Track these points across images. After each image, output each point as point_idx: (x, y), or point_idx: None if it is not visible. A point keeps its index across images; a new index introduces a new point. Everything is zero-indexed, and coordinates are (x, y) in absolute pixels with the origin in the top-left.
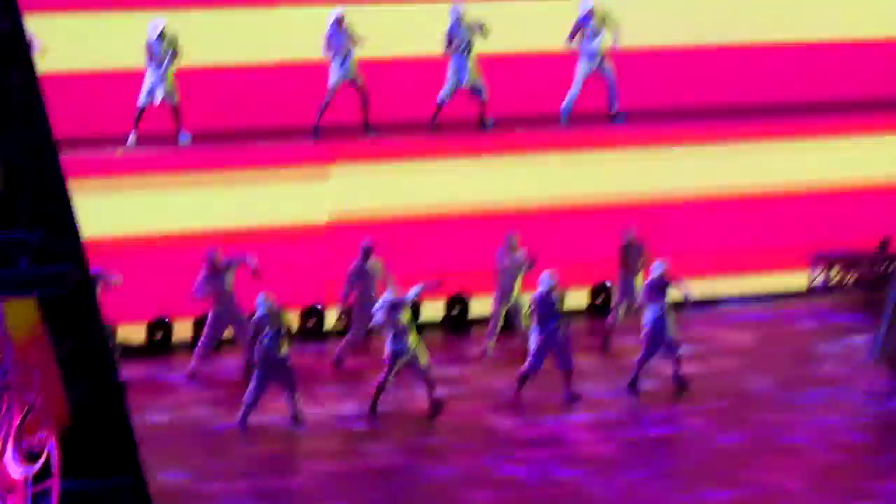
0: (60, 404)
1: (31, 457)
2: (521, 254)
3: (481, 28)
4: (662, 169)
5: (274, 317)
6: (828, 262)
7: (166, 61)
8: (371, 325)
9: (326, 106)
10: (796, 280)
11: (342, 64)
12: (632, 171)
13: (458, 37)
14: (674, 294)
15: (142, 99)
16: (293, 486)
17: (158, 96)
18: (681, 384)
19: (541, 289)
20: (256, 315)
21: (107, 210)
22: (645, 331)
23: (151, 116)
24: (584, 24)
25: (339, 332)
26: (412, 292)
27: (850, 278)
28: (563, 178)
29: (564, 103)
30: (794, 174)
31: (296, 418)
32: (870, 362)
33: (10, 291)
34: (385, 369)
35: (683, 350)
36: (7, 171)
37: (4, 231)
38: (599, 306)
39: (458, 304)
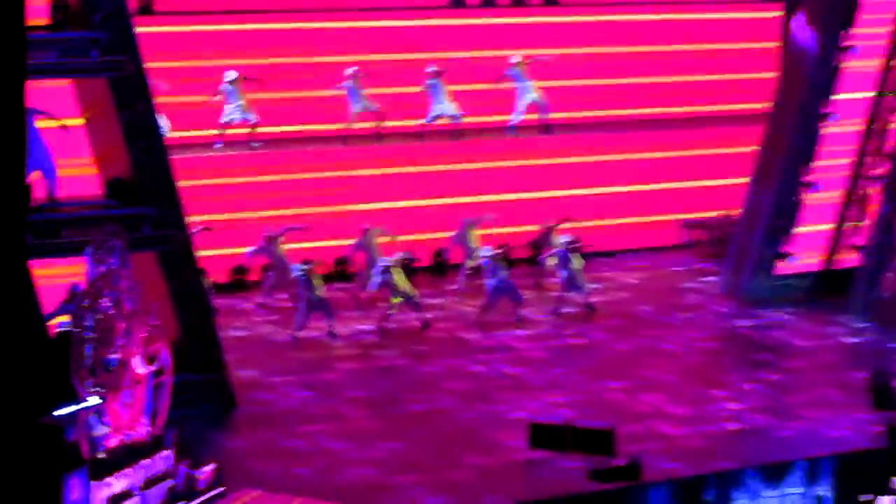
0: (170, 324)
1: (151, 360)
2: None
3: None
4: (580, 168)
5: (311, 268)
6: (691, 226)
7: (238, 97)
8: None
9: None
10: (670, 238)
11: (357, 100)
12: (556, 167)
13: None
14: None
15: (223, 119)
16: (327, 378)
17: (237, 118)
18: (590, 309)
19: (489, 252)
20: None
21: (202, 192)
22: (563, 275)
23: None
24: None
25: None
26: (397, 256)
27: (706, 237)
28: (510, 176)
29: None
30: (670, 172)
31: (331, 333)
32: (719, 294)
33: (139, 249)
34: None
35: (591, 286)
36: (136, 169)
37: (134, 208)
38: (533, 258)
39: (439, 256)
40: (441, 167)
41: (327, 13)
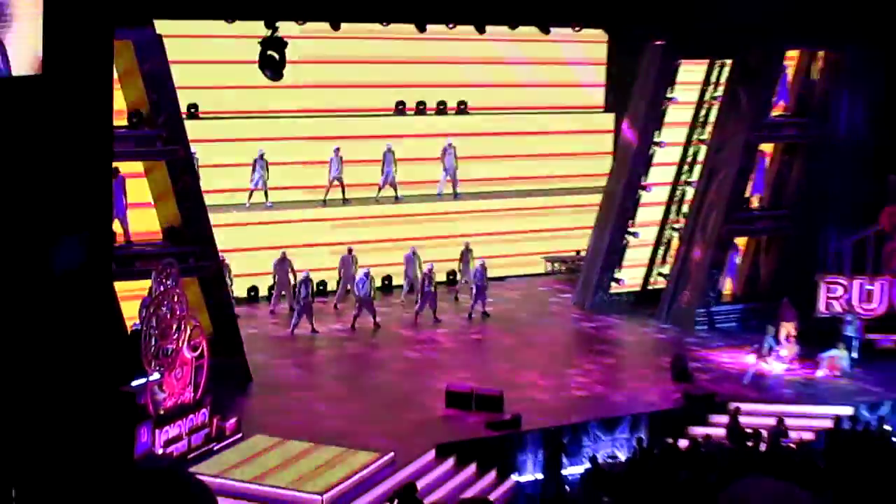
0: (206, 325)
1: (194, 348)
2: (416, 255)
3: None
4: (482, 219)
5: (305, 283)
6: (552, 260)
7: (264, 168)
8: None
9: (328, 188)
10: (539, 268)
11: (336, 168)
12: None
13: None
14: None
15: (251, 183)
16: (312, 361)
17: (260, 183)
18: (486, 315)
19: (424, 271)
20: (299, 281)
21: (234, 234)
22: (473, 290)
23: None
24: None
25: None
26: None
27: (563, 267)
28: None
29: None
30: (541, 223)
31: (314, 330)
32: (572, 305)
33: (186, 274)
34: (355, 308)
35: (489, 298)
36: (184, 221)
37: (182, 247)
38: (452, 280)
39: (386, 280)
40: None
41: (320, 118)
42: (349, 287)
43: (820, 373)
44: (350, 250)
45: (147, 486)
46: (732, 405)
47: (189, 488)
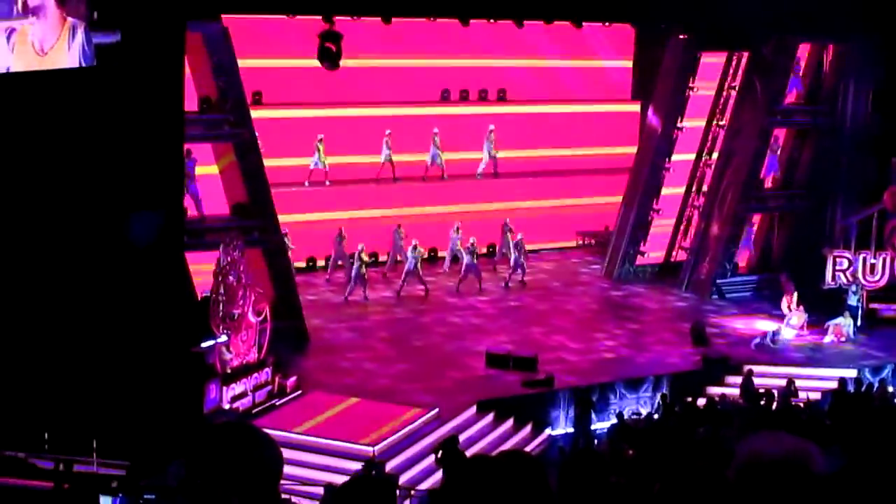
0: (269, 292)
1: (258, 313)
2: (458, 230)
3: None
4: (522, 198)
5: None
6: (583, 235)
7: (321, 157)
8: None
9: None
10: (571, 243)
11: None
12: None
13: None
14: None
15: (311, 166)
16: (364, 325)
17: (320, 165)
18: (523, 283)
19: (467, 245)
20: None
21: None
22: (512, 262)
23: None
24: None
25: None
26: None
27: (592, 240)
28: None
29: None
30: (575, 202)
31: (365, 297)
32: (601, 276)
33: (251, 246)
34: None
35: (526, 268)
36: (250, 198)
37: (248, 221)
38: (492, 252)
39: (434, 252)
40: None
41: (365, 105)
42: (399, 258)
43: (827, 339)
44: (399, 225)
45: (217, 438)
46: (746, 367)
47: (257, 440)
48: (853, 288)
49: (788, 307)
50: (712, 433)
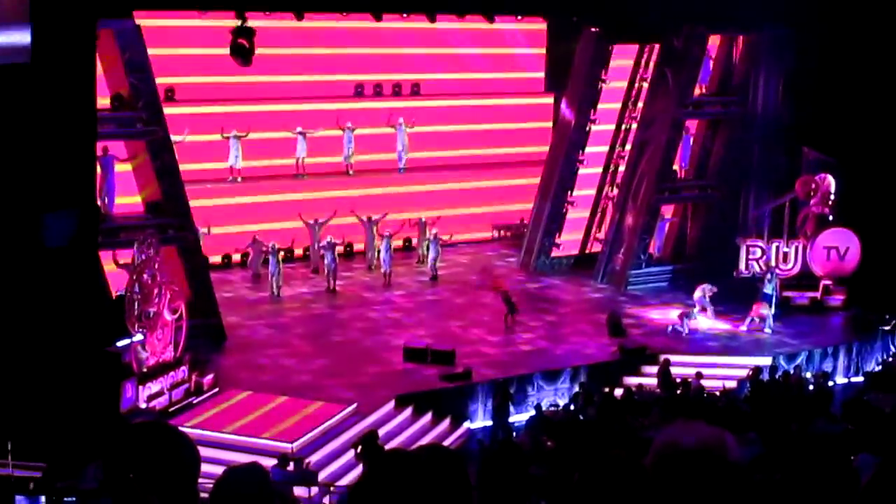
0: (185, 289)
1: (174, 311)
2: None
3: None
4: (438, 191)
5: (274, 251)
6: (499, 228)
7: (238, 147)
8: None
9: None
10: (487, 234)
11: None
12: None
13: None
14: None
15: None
16: (282, 322)
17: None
18: (435, 276)
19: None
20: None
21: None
22: (430, 256)
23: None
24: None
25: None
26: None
27: (508, 233)
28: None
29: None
30: (489, 194)
31: (276, 295)
32: (517, 268)
33: (166, 244)
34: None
35: (441, 263)
36: (164, 195)
37: (163, 219)
38: (408, 247)
39: (347, 247)
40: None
41: (286, 100)
42: (322, 254)
43: (744, 326)
44: (316, 220)
45: (134, 438)
46: (662, 357)
47: (174, 439)
48: (768, 276)
49: (702, 298)
50: (629, 423)
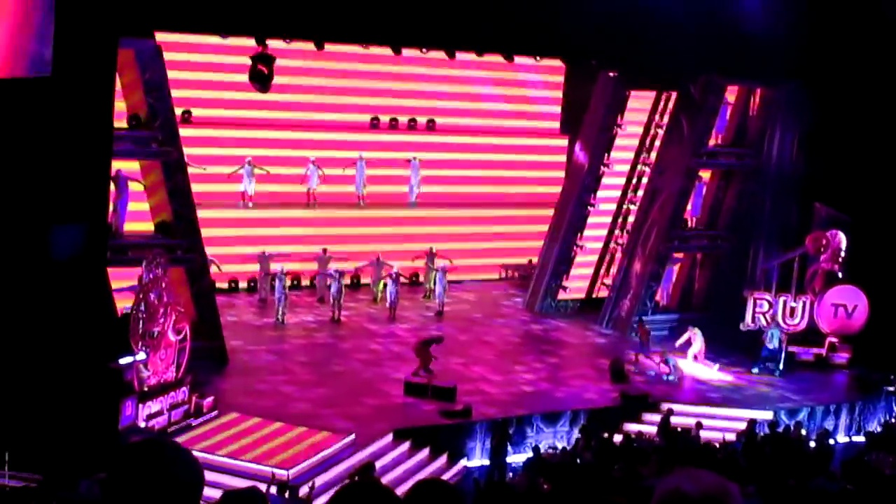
0: (190, 311)
1: (178, 332)
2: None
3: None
4: (447, 227)
5: (279, 277)
6: (507, 268)
7: (252, 180)
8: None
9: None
10: (494, 275)
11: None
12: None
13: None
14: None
15: (242, 188)
16: (284, 348)
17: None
18: (440, 314)
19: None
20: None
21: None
22: (437, 292)
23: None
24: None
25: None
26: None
27: (516, 273)
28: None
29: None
30: (497, 234)
31: (280, 321)
32: (522, 309)
33: (174, 264)
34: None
35: (447, 299)
36: (174, 216)
37: (171, 240)
38: (415, 282)
39: (356, 277)
40: (364, 228)
41: (296, 127)
42: (329, 283)
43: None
44: (324, 250)
45: (137, 455)
46: (665, 406)
47: (177, 457)
48: (769, 331)
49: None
50: (627, 469)
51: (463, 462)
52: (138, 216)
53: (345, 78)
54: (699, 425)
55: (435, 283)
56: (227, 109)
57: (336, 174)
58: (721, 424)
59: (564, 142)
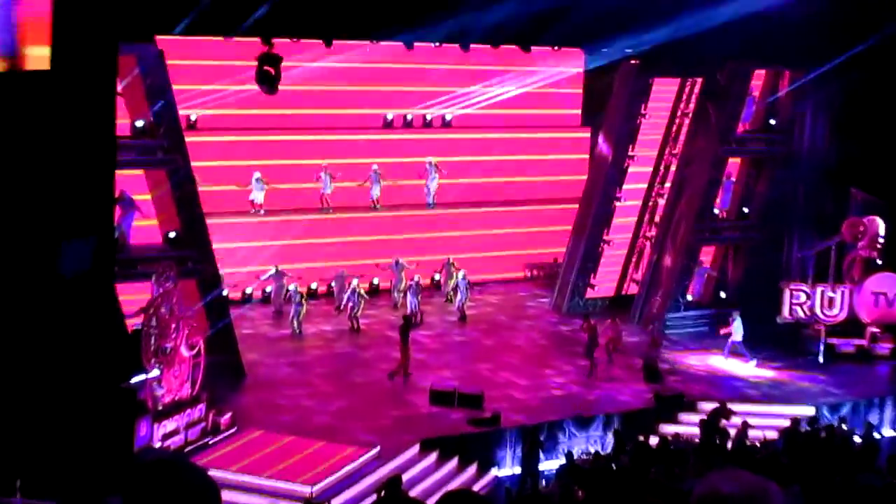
0: (204, 325)
1: (192, 347)
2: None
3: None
4: (468, 228)
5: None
6: (531, 267)
7: (259, 186)
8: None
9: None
10: (519, 274)
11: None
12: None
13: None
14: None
15: (250, 198)
16: (303, 360)
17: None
18: (463, 317)
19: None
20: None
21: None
22: (459, 297)
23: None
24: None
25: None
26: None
27: (541, 273)
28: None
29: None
30: (521, 234)
31: (299, 332)
32: (549, 310)
33: (185, 277)
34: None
35: (470, 302)
36: (183, 227)
37: (182, 252)
38: (437, 286)
39: (374, 284)
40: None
41: (306, 130)
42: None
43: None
44: (344, 270)
45: (154, 474)
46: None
47: (194, 477)
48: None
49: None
50: (665, 473)
51: (493, 471)
52: (146, 231)
53: (355, 76)
54: (746, 425)
55: (455, 292)
56: (234, 109)
57: (351, 186)
58: (761, 422)
59: (587, 134)
